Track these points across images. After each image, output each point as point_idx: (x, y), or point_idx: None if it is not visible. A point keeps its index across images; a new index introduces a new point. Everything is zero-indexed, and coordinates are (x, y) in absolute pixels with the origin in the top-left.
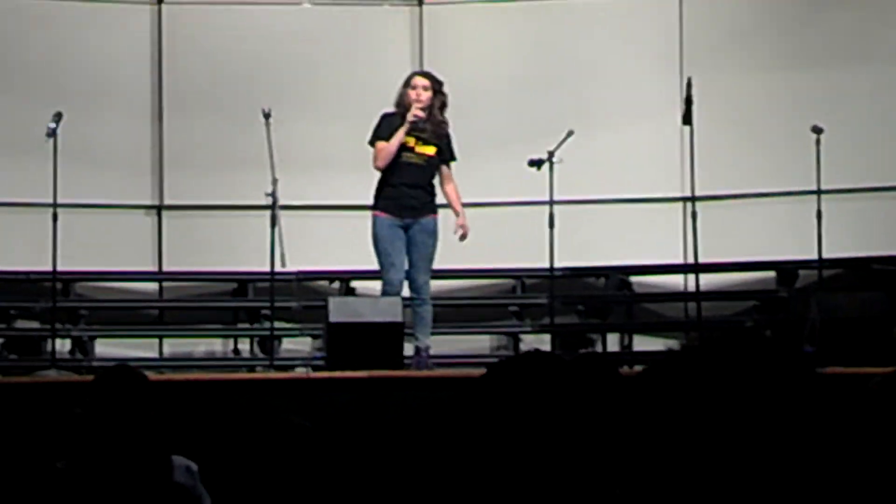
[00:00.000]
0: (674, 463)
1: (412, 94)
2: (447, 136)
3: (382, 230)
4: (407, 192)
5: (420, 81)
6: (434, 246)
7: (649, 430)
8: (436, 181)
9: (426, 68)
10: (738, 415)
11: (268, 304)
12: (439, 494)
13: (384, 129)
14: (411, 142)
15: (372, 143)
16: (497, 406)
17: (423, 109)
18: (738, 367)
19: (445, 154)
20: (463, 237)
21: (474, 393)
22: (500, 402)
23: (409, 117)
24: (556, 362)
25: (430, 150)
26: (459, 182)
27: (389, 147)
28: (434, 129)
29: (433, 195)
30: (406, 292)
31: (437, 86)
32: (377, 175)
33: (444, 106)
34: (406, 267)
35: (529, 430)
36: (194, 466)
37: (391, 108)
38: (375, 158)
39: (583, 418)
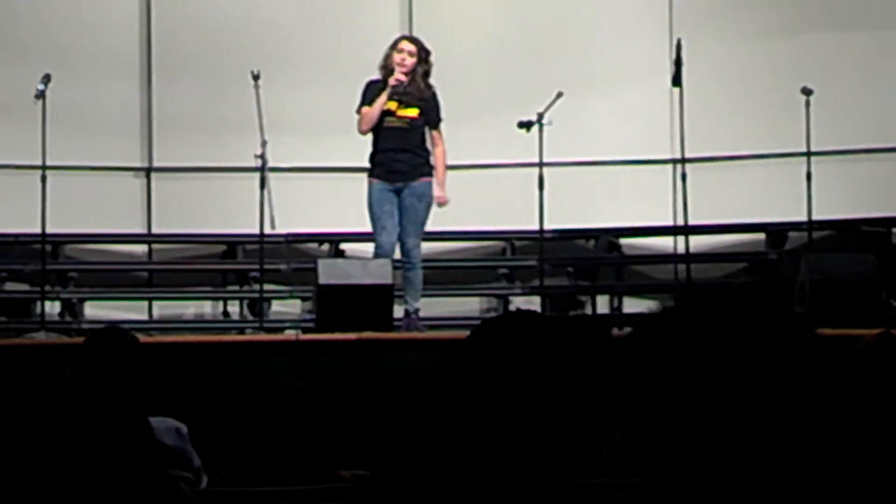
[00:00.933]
0: (666, 424)
1: (397, 57)
2: (431, 99)
3: (374, 195)
4: (394, 156)
5: (406, 46)
6: (426, 210)
7: (640, 391)
8: (429, 145)
9: (415, 32)
10: (732, 374)
11: (257, 267)
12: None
13: (369, 95)
14: (393, 106)
15: (358, 110)
16: (483, 366)
17: (405, 74)
18: (731, 325)
19: (431, 116)
20: (441, 205)
21: (460, 353)
22: (486, 362)
23: (391, 81)
24: (543, 321)
25: (413, 112)
26: (451, 143)
27: (371, 112)
28: (416, 92)
29: (425, 157)
30: (397, 255)
31: (423, 53)
32: (368, 139)
33: (426, 74)
34: (397, 231)
35: (516, 390)
36: (184, 428)
37: (376, 76)
38: (359, 123)
39: (571, 378)
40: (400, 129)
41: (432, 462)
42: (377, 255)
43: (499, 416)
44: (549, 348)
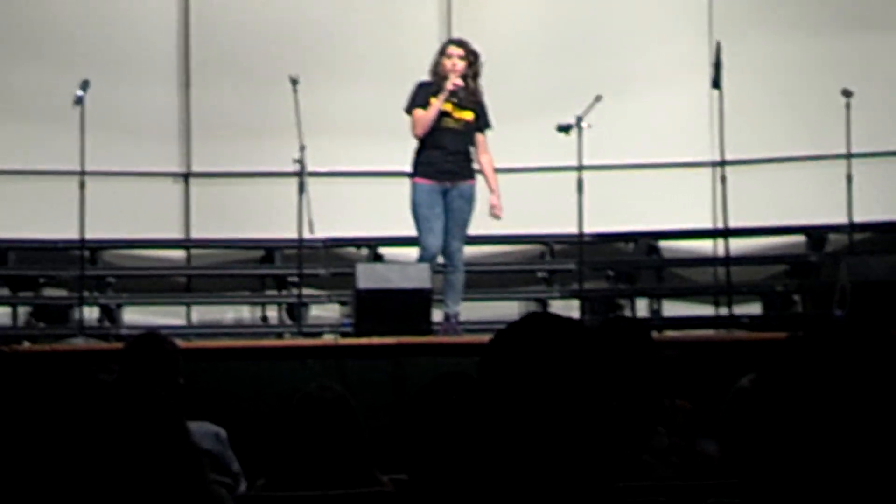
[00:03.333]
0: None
1: (447, 63)
2: (482, 104)
3: (421, 196)
4: (445, 157)
5: (455, 51)
6: (470, 213)
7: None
8: (471, 149)
9: (454, 32)
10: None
11: (296, 271)
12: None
13: (420, 97)
14: (449, 107)
15: (409, 111)
16: (512, 370)
17: (459, 77)
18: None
19: (481, 121)
20: (497, 217)
21: (486, 358)
22: (511, 366)
23: (448, 86)
24: (562, 324)
25: (468, 116)
26: (490, 147)
27: (428, 115)
28: (469, 95)
29: (471, 161)
30: (439, 258)
31: (471, 56)
32: (406, 141)
33: (476, 76)
34: (443, 232)
35: (546, 393)
36: (223, 433)
37: (424, 78)
38: (414, 126)
39: (605, 381)
40: (455, 131)
41: (470, 466)
42: (422, 257)
43: (534, 420)
44: (580, 351)
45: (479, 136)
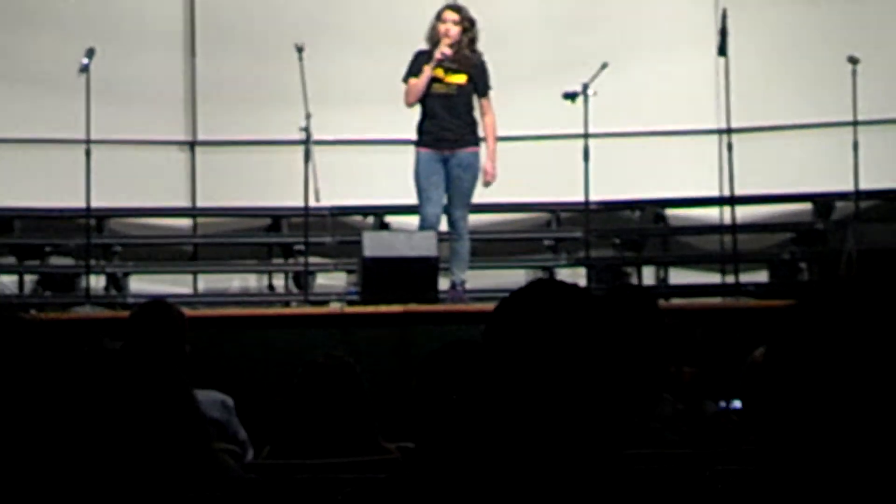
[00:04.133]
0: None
1: (441, 28)
2: (479, 66)
3: (421, 165)
4: (441, 122)
5: (450, 16)
6: (472, 181)
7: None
8: (476, 114)
9: (460, 2)
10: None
11: (302, 240)
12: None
13: (416, 66)
14: (440, 73)
15: (405, 80)
16: (517, 337)
17: (451, 45)
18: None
19: (479, 83)
20: (487, 184)
21: (491, 325)
22: (518, 332)
23: (437, 54)
24: (568, 291)
25: (461, 79)
26: (495, 115)
27: (418, 84)
28: (461, 60)
29: (472, 126)
30: (444, 226)
31: (467, 23)
32: (413, 110)
33: (472, 41)
34: (444, 201)
35: (552, 360)
36: (230, 401)
37: (425, 46)
38: (406, 95)
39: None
40: (447, 96)
41: (476, 434)
42: (422, 226)
43: (541, 388)
44: (586, 318)
45: (482, 101)
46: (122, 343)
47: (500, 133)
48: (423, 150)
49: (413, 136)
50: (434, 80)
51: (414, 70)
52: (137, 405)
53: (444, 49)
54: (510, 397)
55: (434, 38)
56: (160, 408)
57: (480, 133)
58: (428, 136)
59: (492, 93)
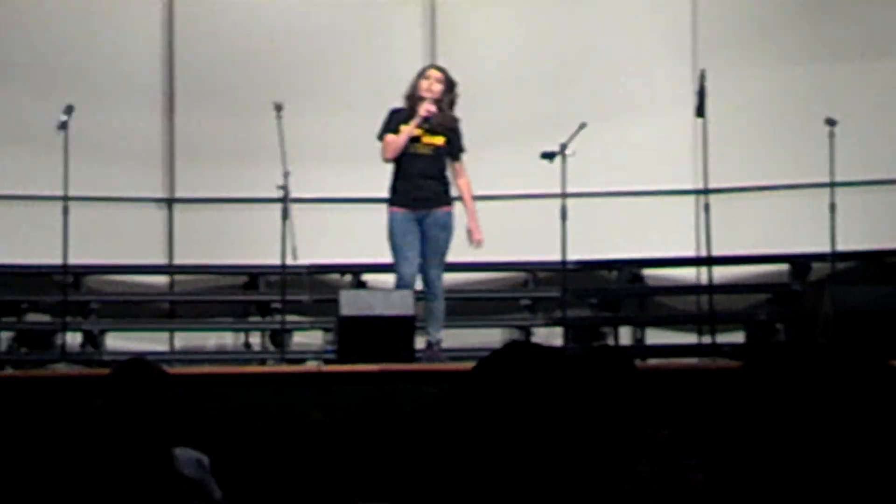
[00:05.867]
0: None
1: (424, 83)
2: (455, 129)
3: (396, 225)
4: (418, 182)
5: (434, 74)
6: (447, 240)
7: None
8: (449, 174)
9: (438, 60)
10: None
11: (279, 298)
12: (447, 490)
13: (392, 123)
14: (418, 132)
15: (380, 137)
16: (494, 398)
17: (434, 102)
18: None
19: (454, 146)
20: (477, 245)
21: (467, 386)
22: (495, 394)
23: (421, 111)
24: (544, 353)
25: (439, 140)
26: (473, 174)
27: (399, 140)
28: (442, 121)
29: (446, 186)
30: (419, 286)
31: (449, 84)
32: (390, 169)
33: (452, 103)
34: (419, 261)
35: (527, 422)
36: (205, 459)
37: (399, 105)
38: (384, 151)
39: (585, 409)
40: (426, 157)
41: (454, 495)
42: (399, 286)
43: (517, 450)
44: (560, 379)
45: (455, 163)
46: (102, 401)
47: (479, 192)
48: (398, 210)
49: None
50: (413, 139)
51: (390, 127)
52: (113, 463)
53: (429, 107)
54: (486, 458)
55: (415, 95)
56: (136, 466)
57: (453, 192)
58: (403, 195)
59: (469, 151)
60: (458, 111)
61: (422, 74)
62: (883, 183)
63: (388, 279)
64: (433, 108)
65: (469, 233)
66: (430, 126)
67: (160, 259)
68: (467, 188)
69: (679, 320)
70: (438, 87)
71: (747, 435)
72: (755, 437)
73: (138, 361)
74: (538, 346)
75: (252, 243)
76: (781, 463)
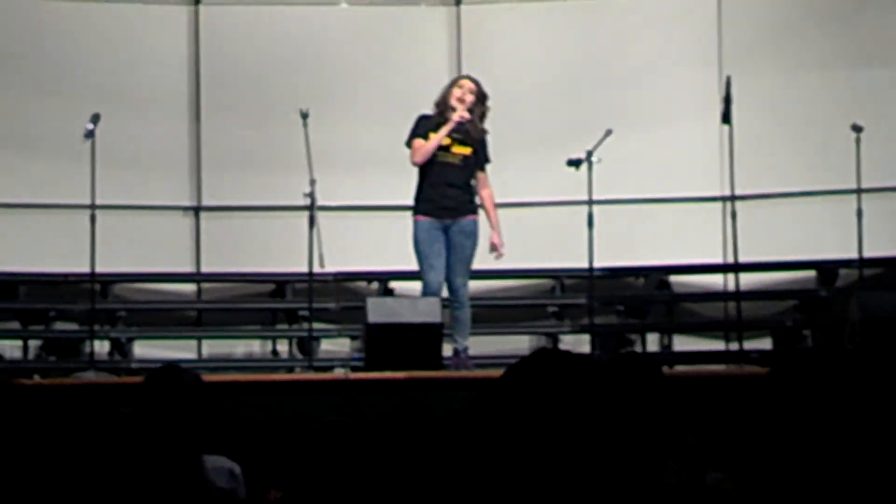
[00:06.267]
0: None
1: (457, 92)
2: (483, 141)
3: (421, 233)
4: (445, 191)
5: (467, 84)
6: (473, 248)
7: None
8: (473, 183)
9: (464, 68)
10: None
11: (306, 306)
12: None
13: (421, 128)
14: (447, 141)
15: (409, 143)
16: (522, 405)
17: (466, 110)
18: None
19: (480, 157)
20: (499, 257)
21: (497, 393)
22: (517, 402)
23: (455, 117)
24: (572, 360)
25: (467, 151)
26: (499, 181)
27: (430, 144)
28: (472, 131)
29: (472, 196)
30: (445, 293)
31: (481, 96)
32: (415, 177)
33: (483, 116)
34: (445, 269)
35: (555, 429)
36: (237, 469)
37: (428, 111)
38: (413, 154)
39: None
40: (453, 166)
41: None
42: (425, 294)
43: (545, 457)
44: (590, 386)
45: (479, 174)
46: (134, 409)
47: (506, 199)
48: (423, 219)
49: None
50: (442, 148)
51: (419, 132)
52: (142, 471)
53: (463, 113)
54: (515, 465)
55: (446, 103)
56: (165, 474)
57: (476, 201)
58: (429, 204)
59: (496, 159)
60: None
61: (455, 83)
62: None
63: (415, 287)
64: (467, 116)
65: (492, 246)
66: (460, 136)
67: (187, 267)
68: (490, 199)
69: (706, 327)
70: (470, 98)
71: (773, 440)
72: (781, 442)
73: (172, 368)
74: (567, 353)
75: (279, 251)
76: (807, 468)
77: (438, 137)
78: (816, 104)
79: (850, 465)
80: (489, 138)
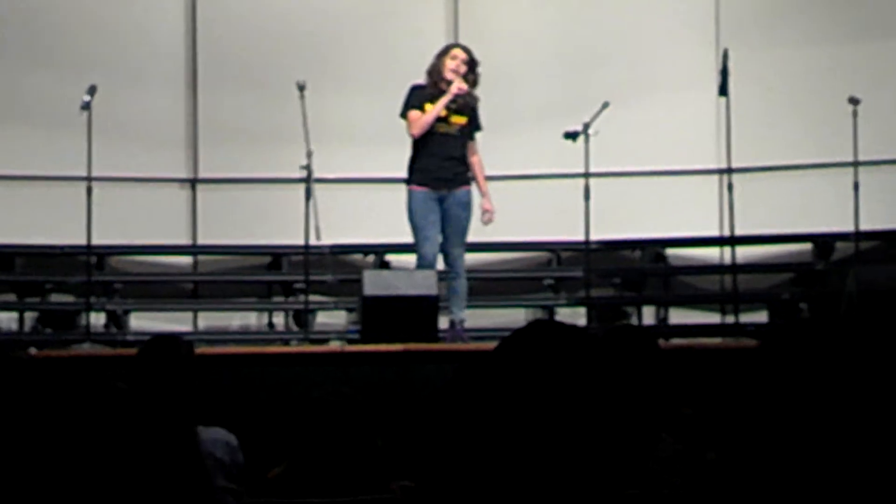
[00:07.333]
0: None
1: (451, 64)
2: (475, 109)
3: (417, 204)
4: (441, 163)
5: (460, 54)
6: (468, 218)
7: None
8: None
9: (461, 40)
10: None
11: (302, 278)
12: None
13: (415, 99)
14: (444, 112)
15: (403, 114)
16: (518, 376)
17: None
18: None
19: (473, 125)
20: (488, 222)
21: (490, 364)
22: (511, 374)
23: (453, 89)
24: (568, 331)
25: (463, 120)
26: (497, 154)
27: (428, 117)
28: (468, 100)
29: (466, 166)
30: (441, 265)
31: (473, 63)
32: (411, 148)
33: (475, 83)
34: (440, 240)
35: (551, 401)
36: (234, 440)
37: (420, 81)
38: (411, 127)
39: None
40: (450, 136)
41: (477, 474)
42: (420, 265)
43: (540, 429)
44: (586, 359)
45: (469, 142)
46: (125, 382)
47: (502, 172)
48: (418, 189)
49: None
50: (439, 119)
51: (414, 103)
52: (136, 441)
53: (461, 84)
54: (510, 438)
55: (438, 74)
56: (160, 445)
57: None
58: (424, 174)
59: (493, 131)
60: (482, 90)
61: (446, 53)
62: None
63: (411, 259)
64: (465, 87)
65: (484, 212)
66: (456, 106)
67: (184, 239)
68: (480, 165)
69: (702, 300)
70: (464, 68)
71: (762, 415)
72: (770, 415)
73: (165, 338)
74: (562, 325)
75: (275, 223)
76: (795, 441)
77: (437, 110)
78: (813, 77)
79: (841, 440)
80: (483, 107)
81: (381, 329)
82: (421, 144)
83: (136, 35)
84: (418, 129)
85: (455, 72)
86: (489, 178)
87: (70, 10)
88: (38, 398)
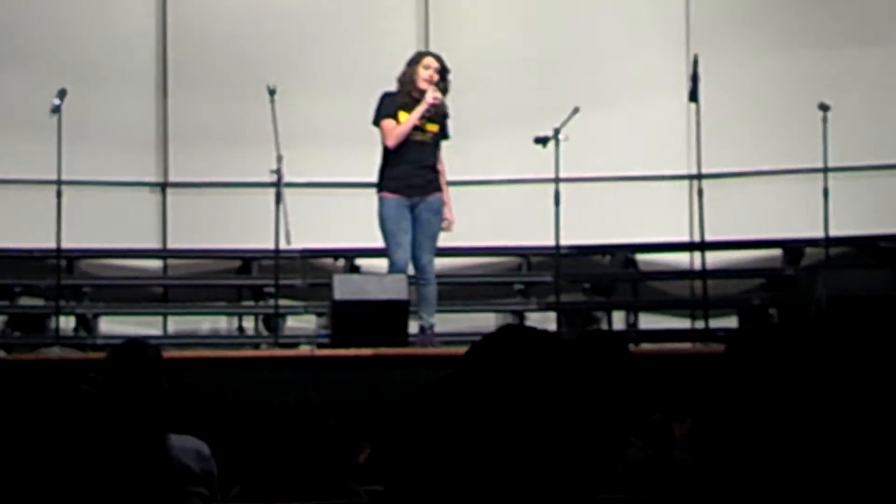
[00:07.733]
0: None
1: (424, 73)
2: (446, 116)
3: (389, 211)
4: (415, 171)
5: (433, 63)
6: (439, 225)
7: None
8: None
9: (432, 46)
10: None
11: (272, 282)
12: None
13: (388, 107)
14: (418, 121)
15: (376, 122)
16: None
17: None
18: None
19: (443, 133)
20: (446, 229)
21: (462, 370)
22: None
23: (429, 98)
24: (538, 336)
25: (435, 128)
26: (467, 159)
27: (404, 127)
28: (437, 109)
29: (437, 173)
30: (411, 271)
31: (444, 71)
32: (382, 153)
33: (446, 91)
34: (411, 247)
35: (522, 406)
36: (206, 449)
37: (391, 88)
38: (387, 137)
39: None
40: (424, 144)
41: (447, 479)
42: (392, 272)
43: (510, 432)
44: (556, 364)
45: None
46: (94, 384)
47: (472, 177)
48: (391, 196)
49: None
50: (414, 127)
51: (387, 111)
52: (107, 447)
53: (437, 94)
54: (479, 443)
55: (412, 83)
56: (128, 451)
57: None
58: (397, 182)
59: (463, 136)
60: (452, 95)
61: (419, 62)
62: (876, 168)
63: (382, 264)
64: (440, 97)
65: (443, 220)
66: (429, 113)
67: (154, 243)
68: (443, 175)
69: (672, 305)
70: (437, 77)
71: (729, 417)
72: (739, 420)
73: (133, 343)
74: (532, 330)
75: (246, 227)
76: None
77: (412, 119)
78: (783, 83)
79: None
80: (453, 112)
81: (351, 333)
82: (395, 152)
83: (106, 39)
84: (394, 140)
85: (428, 81)
86: (460, 183)
87: (40, 13)
88: (6, 401)
